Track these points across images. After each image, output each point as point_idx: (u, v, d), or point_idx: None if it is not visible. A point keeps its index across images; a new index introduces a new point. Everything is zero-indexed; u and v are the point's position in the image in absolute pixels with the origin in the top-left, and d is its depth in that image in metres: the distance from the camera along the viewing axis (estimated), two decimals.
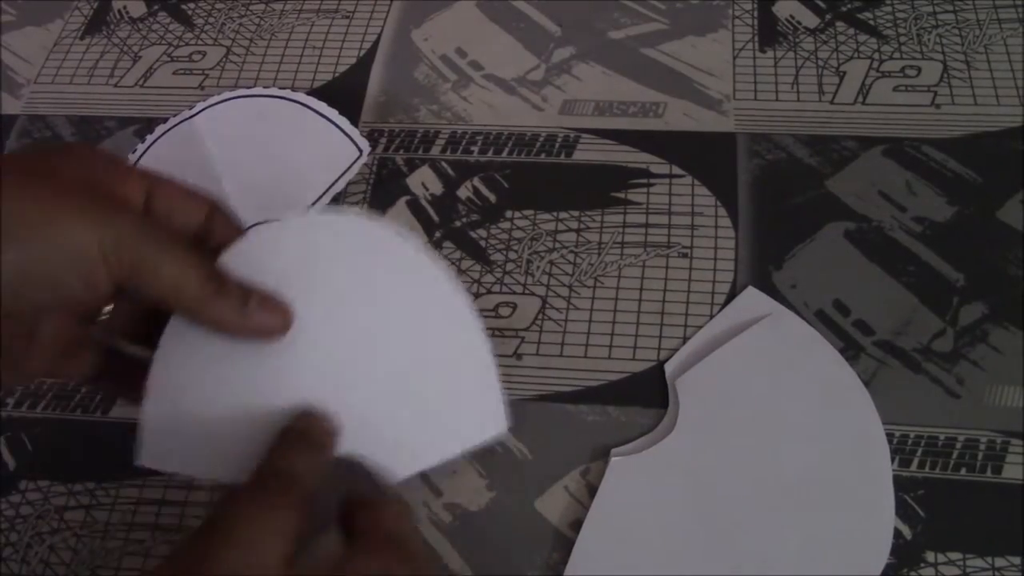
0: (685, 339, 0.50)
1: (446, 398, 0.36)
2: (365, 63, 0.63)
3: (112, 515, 0.48)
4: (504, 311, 0.52)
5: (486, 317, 0.51)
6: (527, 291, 0.52)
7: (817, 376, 0.48)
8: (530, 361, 0.50)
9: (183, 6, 0.68)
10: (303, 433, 0.34)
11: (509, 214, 0.55)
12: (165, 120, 0.60)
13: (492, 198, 0.56)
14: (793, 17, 0.61)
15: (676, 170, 0.55)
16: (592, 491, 0.45)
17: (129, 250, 0.32)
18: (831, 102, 0.57)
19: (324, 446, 0.35)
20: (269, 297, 0.35)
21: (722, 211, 0.54)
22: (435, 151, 0.58)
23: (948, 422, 0.46)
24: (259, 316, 0.35)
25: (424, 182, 0.57)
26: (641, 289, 0.51)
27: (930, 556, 0.43)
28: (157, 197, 0.35)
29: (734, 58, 0.60)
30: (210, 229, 0.37)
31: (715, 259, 0.52)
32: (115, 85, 0.64)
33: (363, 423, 0.35)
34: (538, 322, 0.51)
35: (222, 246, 0.36)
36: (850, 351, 0.48)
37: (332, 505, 0.33)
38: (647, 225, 0.54)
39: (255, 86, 0.61)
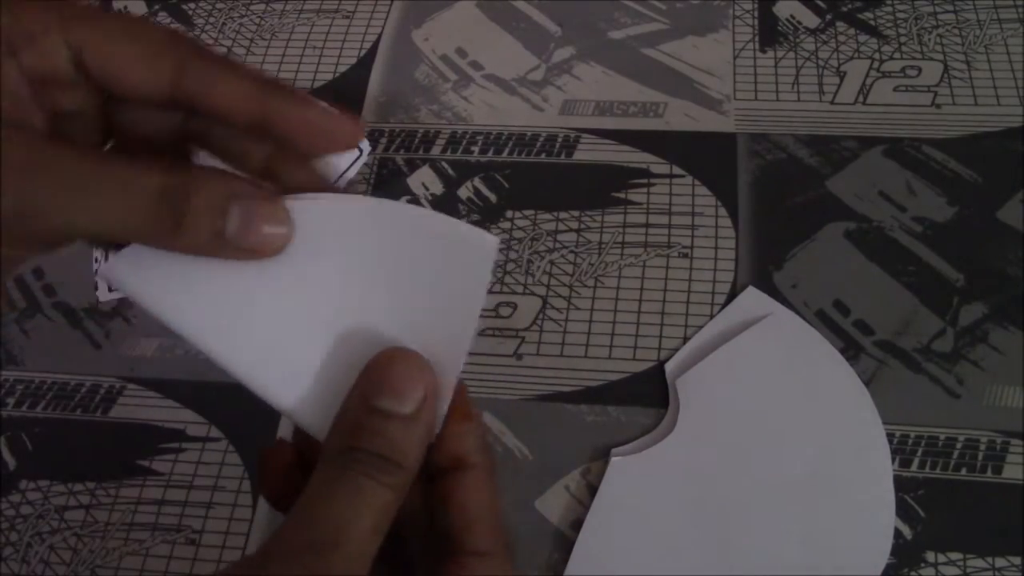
0: (685, 339, 0.50)
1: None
2: (365, 63, 0.63)
3: (112, 515, 0.48)
4: (504, 311, 0.52)
5: (486, 317, 0.51)
6: (527, 291, 0.52)
7: (817, 376, 0.48)
8: (530, 361, 0.50)
9: (183, 6, 0.68)
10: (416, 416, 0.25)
11: (509, 214, 0.55)
12: None
13: (492, 198, 0.56)
14: (793, 17, 0.61)
15: (676, 170, 0.55)
16: (592, 491, 0.45)
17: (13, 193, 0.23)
18: (831, 102, 0.57)
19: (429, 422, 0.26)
20: (254, 204, 0.25)
21: (722, 211, 0.54)
22: (435, 151, 0.58)
23: (948, 422, 0.46)
24: (246, 238, 0.25)
25: (424, 182, 0.57)
26: (641, 289, 0.52)
27: (930, 556, 0.43)
28: (89, 53, 0.25)
29: (734, 58, 0.60)
30: (182, 93, 0.25)
31: (715, 259, 0.52)
32: None
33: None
34: (538, 322, 0.51)
35: (288, 133, 0.26)
36: (850, 351, 0.48)
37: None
38: (647, 225, 0.54)
39: None
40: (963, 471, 0.45)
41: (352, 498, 0.24)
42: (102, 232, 0.24)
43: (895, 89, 0.57)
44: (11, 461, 0.50)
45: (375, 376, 0.25)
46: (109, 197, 0.24)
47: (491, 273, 0.29)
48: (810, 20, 0.61)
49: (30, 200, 0.23)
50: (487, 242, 0.29)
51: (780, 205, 0.53)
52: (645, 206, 0.54)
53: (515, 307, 0.52)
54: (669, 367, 0.49)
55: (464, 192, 0.56)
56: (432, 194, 0.56)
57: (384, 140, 0.59)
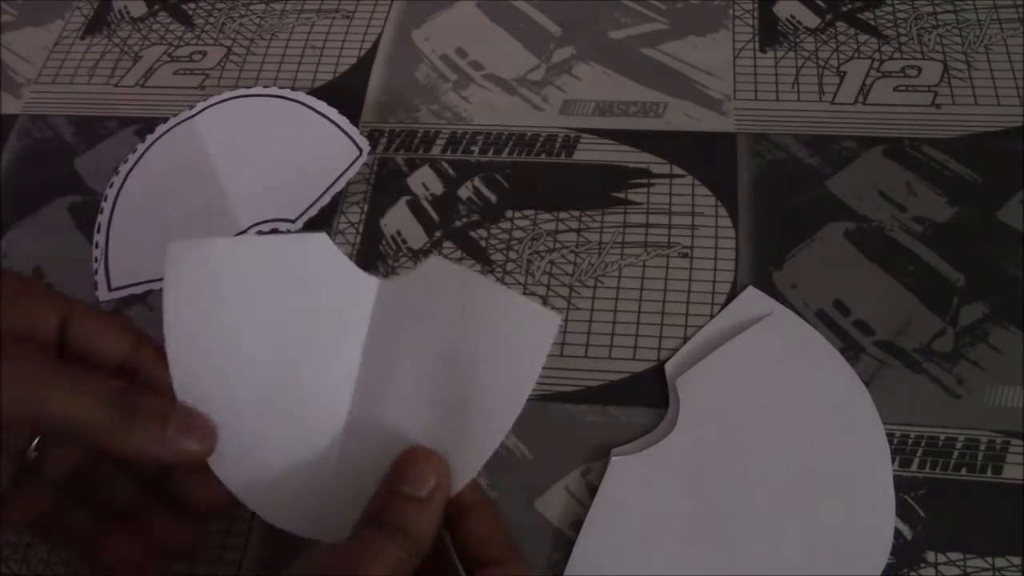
0: (685, 339, 0.50)
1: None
2: (365, 63, 0.63)
3: None
4: None
5: None
6: (527, 291, 0.52)
7: (817, 376, 0.48)
8: None
9: (183, 6, 0.68)
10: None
11: (509, 214, 0.55)
12: (166, 120, 0.60)
13: (492, 198, 0.56)
14: (793, 17, 0.61)
15: (676, 170, 0.55)
16: (592, 491, 0.45)
17: (13, 386, 0.31)
18: (831, 102, 0.57)
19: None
20: (190, 416, 0.33)
21: (722, 211, 0.54)
22: (435, 151, 0.58)
23: (948, 422, 0.46)
24: (182, 441, 0.33)
25: (424, 182, 0.57)
26: (641, 289, 0.52)
27: (930, 556, 0.43)
28: (74, 325, 0.35)
29: (734, 58, 0.60)
30: (136, 362, 0.36)
31: (715, 259, 0.52)
32: (116, 85, 0.64)
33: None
34: None
35: (151, 381, 0.35)
36: (850, 351, 0.48)
37: None
38: (647, 225, 0.54)
39: (255, 86, 0.61)
40: (963, 471, 0.45)
41: (368, 547, 0.31)
42: (59, 425, 0.32)
43: (895, 89, 0.57)
44: None
45: (399, 468, 0.33)
46: (65, 398, 0.32)
47: (544, 357, 0.33)
48: (810, 20, 0.61)
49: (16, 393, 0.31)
50: (549, 320, 0.33)
51: (780, 205, 0.53)
52: (645, 206, 0.54)
53: None
54: (669, 367, 0.49)
55: (464, 192, 0.56)
56: (432, 194, 0.56)
57: (384, 140, 0.59)
